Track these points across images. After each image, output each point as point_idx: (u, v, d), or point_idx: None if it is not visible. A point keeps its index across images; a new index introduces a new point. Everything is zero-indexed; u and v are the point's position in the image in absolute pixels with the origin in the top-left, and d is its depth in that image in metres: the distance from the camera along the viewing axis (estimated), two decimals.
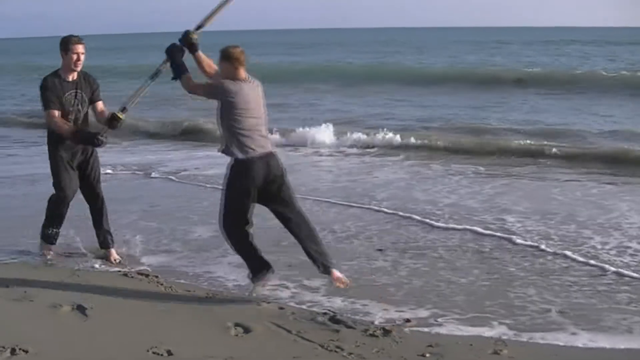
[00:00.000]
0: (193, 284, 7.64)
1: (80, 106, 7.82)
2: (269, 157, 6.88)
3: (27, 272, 7.92)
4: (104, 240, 8.38)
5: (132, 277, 7.81)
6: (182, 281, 7.71)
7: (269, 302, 7.07)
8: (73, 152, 7.94)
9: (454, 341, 6.18)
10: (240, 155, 6.74)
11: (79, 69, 7.77)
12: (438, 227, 9.87)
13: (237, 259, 7.51)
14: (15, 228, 9.80)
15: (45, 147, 8.07)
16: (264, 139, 6.88)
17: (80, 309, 6.74)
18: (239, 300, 7.14)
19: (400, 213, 10.61)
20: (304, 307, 7.00)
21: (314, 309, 6.93)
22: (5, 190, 12.51)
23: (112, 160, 14.77)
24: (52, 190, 8.14)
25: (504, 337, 6.27)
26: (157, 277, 7.77)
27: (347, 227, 9.93)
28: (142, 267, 8.12)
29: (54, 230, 8.31)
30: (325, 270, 7.06)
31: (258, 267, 7.14)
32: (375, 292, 7.41)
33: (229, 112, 6.73)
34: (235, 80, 6.76)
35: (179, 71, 6.94)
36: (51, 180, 8.09)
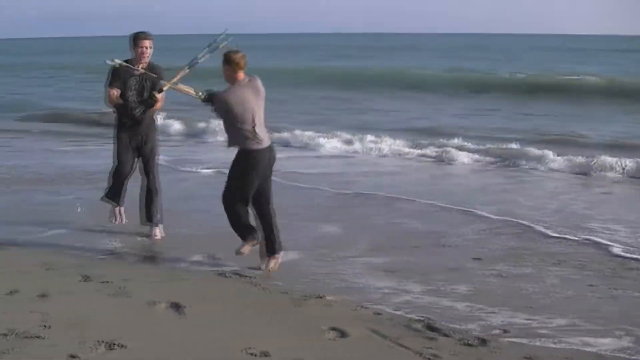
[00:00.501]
0: (288, 285, 7.56)
1: (138, 95, 8.82)
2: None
3: (123, 268, 8.06)
4: (149, 214, 9.27)
5: (227, 276, 7.83)
6: (277, 283, 7.66)
7: (365, 307, 6.97)
8: (131, 134, 8.98)
9: (550, 354, 6.00)
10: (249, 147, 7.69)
11: (144, 61, 8.74)
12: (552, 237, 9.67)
13: (333, 264, 7.91)
14: (112, 225, 9.93)
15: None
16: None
17: (176, 306, 6.75)
18: (334, 304, 7.04)
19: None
20: (400, 312, 6.89)
21: (411, 315, 6.81)
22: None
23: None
24: None
25: (604, 352, 6.07)
26: (251, 277, 7.73)
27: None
28: (235, 268, 8.08)
29: (113, 200, 9.39)
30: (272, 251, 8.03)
31: (248, 234, 7.99)
32: (477, 298, 7.32)
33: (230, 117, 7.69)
34: (234, 82, 7.67)
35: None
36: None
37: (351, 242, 9.32)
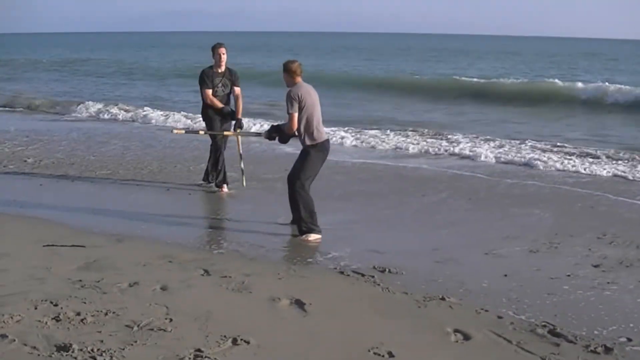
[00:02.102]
0: (410, 286, 7.35)
1: (223, 89, 11.69)
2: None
3: (244, 262, 7.97)
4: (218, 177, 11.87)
5: (348, 275, 7.67)
6: (398, 282, 7.44)
7: (487, 310, 6.74)
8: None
9: None
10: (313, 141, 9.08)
11: (223, 65, 11.57)
12: None
13: (452, 266, 7.76)
14: (233, 221, 10.02)
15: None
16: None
17: (299, 303, 6.66)
18: (456, 306, 6.82)
19: None
20: (522, 317, 6.63)
21: (533, 319, 6.55)
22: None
23: None
24: None
25: None
26: (373, 277, 7.56)
27: None
28: (355, 266, 7.90)
29: (215, 173, 11.90)
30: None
31: (314, 224, 9.08)
32: (601, 306, 7.00)
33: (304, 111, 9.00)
34: (290, 84, 9.13)
35: (283, 137, 9.62)
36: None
37: (466, 243, 9.11)
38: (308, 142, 9.06)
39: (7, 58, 61.81)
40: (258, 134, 11.58)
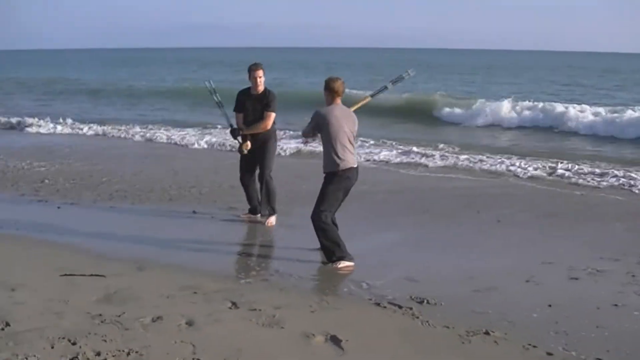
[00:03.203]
0: (451, 318, 6.90)
1: (253, 114, 10.63)
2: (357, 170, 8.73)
3: (273, 293, 7.54)
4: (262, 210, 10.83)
5: (384, 307, 7.22)
6: (438, 314, 7.00)
7: (535, 346, 6.30)
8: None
9: None
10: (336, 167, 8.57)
11: (260, 87, 10.58)
12: None
13: (492, 295, 7.41)
14: (260, 247, 9.71)
15: None
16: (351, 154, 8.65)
17: (335, 340, 6.22)
18: (501, 342, 6.38)
19: None
20: (573, 353, 6.19)
21: (583, 356, 6.13)
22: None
23: None
24: None
25: None
26: (411, 309, 7.12)
27: None
28: (390, 297, 7.45)
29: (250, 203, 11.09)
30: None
31: (344, 252, 8.59)
32: None
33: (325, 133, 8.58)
34: (330, 105, 8.66)
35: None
36: None
37: (506, 269, 8.67)
38: (328, 168, 8.61)
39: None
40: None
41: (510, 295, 7.70)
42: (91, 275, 7.88)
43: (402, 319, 6.88)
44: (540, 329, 6.72)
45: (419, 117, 28.63)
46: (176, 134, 22.64)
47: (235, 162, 11.19)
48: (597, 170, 15.81)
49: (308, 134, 8.85)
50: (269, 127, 10.53)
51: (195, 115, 29.14)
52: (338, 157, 8.47)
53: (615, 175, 15.16)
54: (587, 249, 9.62)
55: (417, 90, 37.37)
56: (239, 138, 10.70)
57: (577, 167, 16.32)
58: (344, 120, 8.54)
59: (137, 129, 24.14)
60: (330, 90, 8.58)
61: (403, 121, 27.55)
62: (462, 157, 17.74)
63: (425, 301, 7.36)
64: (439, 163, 17.11)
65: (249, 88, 10.65)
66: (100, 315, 6.62)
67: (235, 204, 11.87)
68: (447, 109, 29.70)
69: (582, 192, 13.70)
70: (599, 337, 6.55)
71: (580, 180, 14.88)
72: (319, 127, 8.54)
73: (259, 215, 10.94)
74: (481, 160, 17.29)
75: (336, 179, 8.52)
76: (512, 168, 16.38)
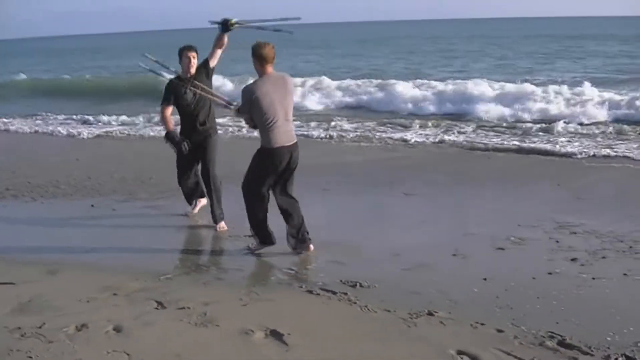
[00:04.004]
0: (388, 300, 6.65)
1: (194, 97, 9.23)
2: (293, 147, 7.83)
3: (197, 289, 7.11)
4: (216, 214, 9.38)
5: (317, 294, 6.90)
6: (374, 298, 6.75)
7: (483, 324, 6.09)
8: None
9: None
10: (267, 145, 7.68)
11: (192, 70, 9.22)
12: None
13: (425, 272, 7.30)
14: (170, 236, 9.16)
15: None
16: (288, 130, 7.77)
17: (276, 335, 5.86)
18: (448, 322, 6.16)
19: None
20: (523, 328, 6.00)
21: (534, 330, 5.94)
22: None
23: None
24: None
25: None
26: (345, 294, 6.83)
27: None
28: (321, 282, 7.15)
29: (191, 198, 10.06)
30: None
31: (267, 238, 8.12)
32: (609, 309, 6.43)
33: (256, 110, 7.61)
34: (261, 75, 7.62)
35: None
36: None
37: (430, 243, 8.53)
38: (261, 143, 7.75)
39: None
40: (229, 104, 8.69)
41: (442, 271, 7.52)
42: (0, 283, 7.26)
43: (340, 306, 6.58)
44: (483, 305, 6.54)
45: None
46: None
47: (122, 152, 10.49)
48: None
49: (248, 121, 7.87)
50: (224, 44, 9.08)
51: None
52: (268, 136, 7.63)
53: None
54: (503, 216, 9.56)
55: None
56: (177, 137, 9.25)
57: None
58: (276, 94, 7.57)
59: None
60: (258, 58, 7.53)
61: None
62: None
63: (358, 284, 7.08)
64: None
65: (178, 76, 9.24)
66: (19, 328, 6.04)
67: (140, 194, 11.35)
68: None
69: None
70: (544, 308, 6.42)
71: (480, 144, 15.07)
72: (250, 107, 7.59)
73: (204, 199, 9.94)
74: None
75: (263, 156, 7.75)
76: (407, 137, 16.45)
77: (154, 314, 6.38)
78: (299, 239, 8.05)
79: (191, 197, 9.95)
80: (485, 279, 7.17)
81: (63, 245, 8.81)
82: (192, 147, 9.24)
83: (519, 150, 14.89)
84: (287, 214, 8.03)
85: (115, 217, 10.27)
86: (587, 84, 22.32)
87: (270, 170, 7.77)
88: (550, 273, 7.31)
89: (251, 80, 7.81)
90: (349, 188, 11.49)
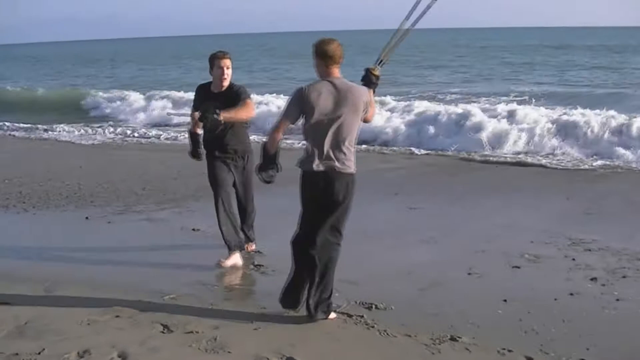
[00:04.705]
0: (409, 325, 6.31)
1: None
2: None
3: (205, 311, 6.70)
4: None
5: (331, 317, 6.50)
6: (392, 321, 6.39)
7: (510, 350, 5.75)
8: None
9: None
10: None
11: (225, 82, 7.93)
12: None
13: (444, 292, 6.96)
14: (173, 254, 8.70)
15: None
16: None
17: None
18: (473, 348, 5.82)
19: None
20: (553, 354, 5.70)
21: (564, 358, 5.64)
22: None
23: None
24: None
25: None
26: (362, 316, 6.49)
27: None
28: (335, 304, 6.72)
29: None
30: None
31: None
32: None
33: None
34: (323, 79, 6.09)
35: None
36: None
37: (441, 260, 8.23)
38: (299, 164, 6.21)
39: None
40: None
41: (459, 291, 7.21)
42: None
43: (357, 330, 6.23)
44: (507, 329, 6.24)
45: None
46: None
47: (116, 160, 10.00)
48: None
49: (277, 129, 6.13)
50: (252, 114, 7.94)
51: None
52: (316, 152, 6.08)
53: None
54: (513, 231, 9.26)
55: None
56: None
57: None
58: (337, 103, 6.00)
59: None
60: (322, 56, 6.05)
61: None
62: None
63: (374, 306, 6.74)
64: None
65: (209, 83, 8.04)
66: (17, 354, 5.63)
67: (136, 206, 10.98)
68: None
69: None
70: (571, 333, 6.14)
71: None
72: (301, 112, 6.05)
73: (245, 246, 8.44)
74: None
75: (303, 183, 6.24)
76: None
77: (160, 339, 5.99)
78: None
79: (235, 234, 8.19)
80: (505, 300, 6.86)
81: (60, 261, 8.41)
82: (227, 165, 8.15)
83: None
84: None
85: (112, 230, 9.84)
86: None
87: (311, 202, 6.26)
88: (571, 294, 7.03)
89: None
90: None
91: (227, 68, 7.82)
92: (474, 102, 23.78)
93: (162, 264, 8.22)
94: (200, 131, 7.85)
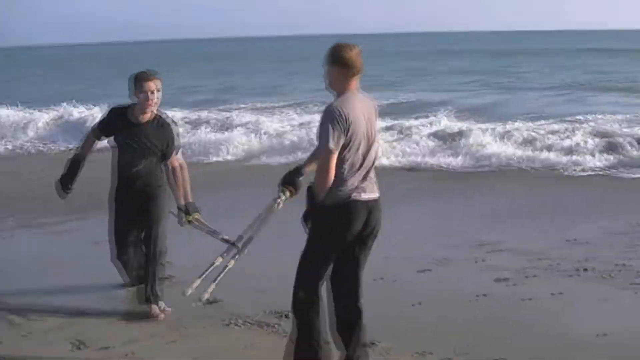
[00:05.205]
0: (325, 331, 6.21)
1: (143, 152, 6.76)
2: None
3: (114, 326, 6.55)
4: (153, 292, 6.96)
5: (240, 326, 6.51)
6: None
7: (431, 353, 5.87)
8: None
9: None
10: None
11: (150, 109, 6.68)
12: None
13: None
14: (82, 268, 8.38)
15: None
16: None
17: None
18: (391, 351, 5.89)
19: None
20: (468, 355, 5.80)
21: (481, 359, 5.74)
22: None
23: None
24: None
25: None
26: (274, 326, 6.49)
27: None
28: (249, 314, 6.73)
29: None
30: None
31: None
32: None
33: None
34: (343, 92, 5.09)
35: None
36: None
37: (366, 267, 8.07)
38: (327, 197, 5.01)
39: None
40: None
41: (370, 296, 6.74)
42: None
43: (273, 339, 6.16)
44: (423, 332, 6.29)
45: None
46: None
47: None
48: None
49: (331, 167, 4.94)
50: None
51: None
52: (349, 181, 5.06)
53: None
54: (415, 236, 9.38)
55: None
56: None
57: None
58: (368, 120, 5.11)
59: None
60: (343, 64, 5.02)
61: None
62: None
63: (284, 315, 6.61)
64: None
65: (126, 109, 6.76)
66: None
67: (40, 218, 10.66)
68: None
69: None
70: (486, 333, 6.26)
71: None
72: (344, 137, 4.96)
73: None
74: None
75: (333, 215, 5.10)
76: None
77: (70, 355, 5.87)
78: None
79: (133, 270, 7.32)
80: (420, 304, 6.97)
81: None
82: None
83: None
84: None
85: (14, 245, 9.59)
86: None
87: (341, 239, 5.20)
88: (484, 295, 7.15)
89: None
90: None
91: (156, 91, 6.56)
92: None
93: (67, 279, 7.92)
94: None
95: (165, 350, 5.94)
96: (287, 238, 8.71)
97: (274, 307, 6.83)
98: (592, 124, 17.72)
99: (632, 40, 76.68)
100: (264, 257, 7.70)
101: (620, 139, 15.43)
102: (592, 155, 14.82)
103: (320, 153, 4.99)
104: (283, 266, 7.63)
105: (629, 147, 14.97)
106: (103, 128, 6.84)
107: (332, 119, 4.85)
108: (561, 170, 14.03)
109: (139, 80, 6.53)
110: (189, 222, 6.75)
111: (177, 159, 6.81)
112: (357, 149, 4.98)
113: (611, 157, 14.60)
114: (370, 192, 5.10)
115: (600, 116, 19.21)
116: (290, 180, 5.40)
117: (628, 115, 19.39)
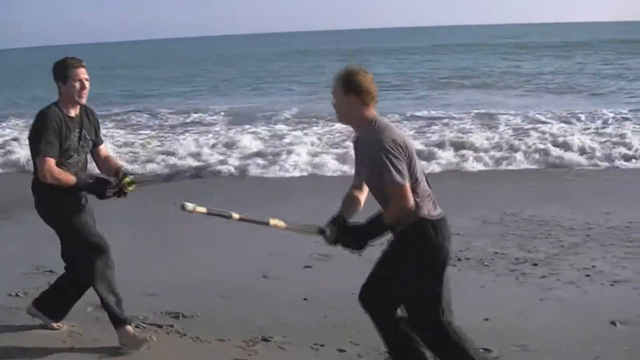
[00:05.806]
0: (218, 329, 6.49)
1: (83, 149, 6.05)
2: None
3: (13, 335, 6.45)
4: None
5: (140, 327, 6.48)
6: (202, 328, 6.52)
7: (322, 345, 6.15)
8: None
9: None
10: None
11: (84, 99, 5.93)
12: None
13: (251, 295, 7.09)
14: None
15: None
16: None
17: None
18: (287, 345, 6.14)
19: None
20: (362, 346, 6.10)
21: (374, 346, 5.93)
22: None
23: None
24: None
25: None
26: (172, 326, 6.58)
27: None
28: (141, 316, 6.77)
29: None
30: None
31: None
32: None
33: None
34: (367, 125, 4.74)
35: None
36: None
37: (235, 265, 8.51)
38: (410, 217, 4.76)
39: None
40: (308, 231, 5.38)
41: (259, 294, 7.48)
42: None
43: (171, 339, 6.31)
44: (316, 326, 6.56)
45: None
46: None
47: None
48: None
49: (407, 188, 4.64)
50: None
51: None
52: (430, 199, 4.90)
53: None
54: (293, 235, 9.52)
55: None
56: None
57: None
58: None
59: None
60: (360, 92, 4.66)
61: None
62: None
63: (181, 315, 6.84)
64: None
65: (56, 106, 5.88)
66: None
67: None
68: None
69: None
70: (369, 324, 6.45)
71: None
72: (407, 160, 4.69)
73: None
74: None
75: (435, 236, 4.84)
76: None
77: None
78: None
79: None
80: (306, 299, 7.23)
81: None
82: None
83: None
84: None
85: None
86: None
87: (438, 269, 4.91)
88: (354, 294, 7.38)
89: None
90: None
91: (88, 80, 5.89)
92: None
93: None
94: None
95: (62, 357, 5.95)
96: (174, 247, 8.90)
97: (166, 309, 6.96)
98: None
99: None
100: (153, 265, 7.86)
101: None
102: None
103: (390, 190, 4.61)
104: (171, 273, 7.83)
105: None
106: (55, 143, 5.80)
107: (395, 150, 4.55)
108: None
109: (70, 68, 5.80)
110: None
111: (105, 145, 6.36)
112: (419, 167, 4.79)
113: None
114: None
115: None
116: (346, 243, 5.28)
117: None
